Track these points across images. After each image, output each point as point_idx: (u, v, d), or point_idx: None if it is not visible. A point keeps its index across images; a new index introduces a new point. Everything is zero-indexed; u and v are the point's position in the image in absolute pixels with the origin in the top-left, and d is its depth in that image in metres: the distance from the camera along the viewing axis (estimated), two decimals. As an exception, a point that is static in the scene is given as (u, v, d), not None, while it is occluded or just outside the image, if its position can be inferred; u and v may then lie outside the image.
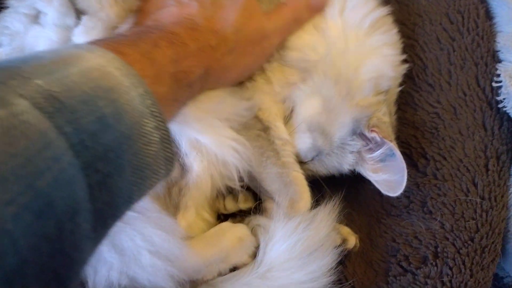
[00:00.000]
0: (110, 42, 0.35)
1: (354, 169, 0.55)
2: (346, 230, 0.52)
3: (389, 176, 0.50)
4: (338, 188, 0.55)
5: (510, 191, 0.54)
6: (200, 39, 0.41)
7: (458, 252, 0.50)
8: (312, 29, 0.52)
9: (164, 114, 0.32)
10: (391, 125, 0.54)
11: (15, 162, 0.23)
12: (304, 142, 0.53)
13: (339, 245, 0.49)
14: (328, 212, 0.49)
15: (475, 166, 0.53)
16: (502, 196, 0.54)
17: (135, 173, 0.30)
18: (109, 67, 0.30)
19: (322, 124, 0.52)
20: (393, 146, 0.50)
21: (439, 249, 0.50)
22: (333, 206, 0.50)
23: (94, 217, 0.26)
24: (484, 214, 0.52)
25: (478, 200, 0.52)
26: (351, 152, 0.53)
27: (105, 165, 0.27)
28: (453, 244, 0.50)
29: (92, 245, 0.28)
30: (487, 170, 0.53)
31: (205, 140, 0.45)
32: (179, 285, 0.44)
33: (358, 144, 0.53)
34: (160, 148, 0.31)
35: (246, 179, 0.49)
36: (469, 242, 0.50)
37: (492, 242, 0.52)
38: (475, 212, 0.52)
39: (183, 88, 0.39)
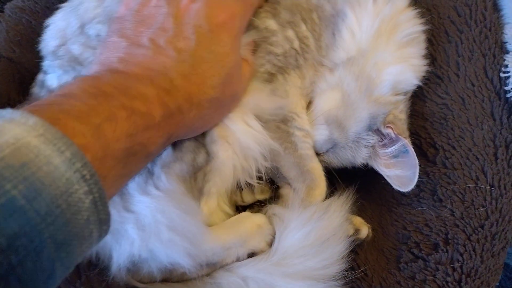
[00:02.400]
0: (51, 111, 0.31)
1: (367, 164, 0.57)
2: (358, 220, 0.54)
3: (401, 172, 0.52)
4: (350, 179, 0.57)
5: (519, 179, 0.55)
6: (170, 105, 0.38)
7: (469, 239, 0.51)
8: (347, 32, 0.53)
9: (96, 175, 0.29)
10: (406, 122, 0.56)
11: None
12: (320, 134, 0.56)
13: (351, 235, 0.51)
14: (341, 203, 0.51)
15: (484, 155, 0.54)
16: (512, 184, 0.55)
17: (60, 248, 0.27)
18: (28, 137, 0.27)
19: (340, 118, 0.54)
20: (407, 142, 0.51)
21: (449, 236, 0.52)
22: (346, 197, 0.52)
23: None
24: (493, 202, 0.53)
25: (488, 187, 0.53)
26: (366, 146, 0.55)
27: (9, 256, 0.24)
28: (463, 231, 0.52)
29: None
30: (496, 158, 0.55)
31: (234, 127, 0.47)
32: (198, 267, 0.47)
33: (373, 139, 0.55)
34: (93, 212, 0.29)
35: (264, 174, 0.51)
36: (479, 229, 0.52)
37: (502, 230, 0.53)
38: (485, 199, 0.53)
39: (139, 160, 0.37)
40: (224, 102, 0.44)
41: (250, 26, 0.56)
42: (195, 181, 0.47)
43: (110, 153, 0.32)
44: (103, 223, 0.30)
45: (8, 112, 0.29)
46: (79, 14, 0.51)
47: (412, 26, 0.55)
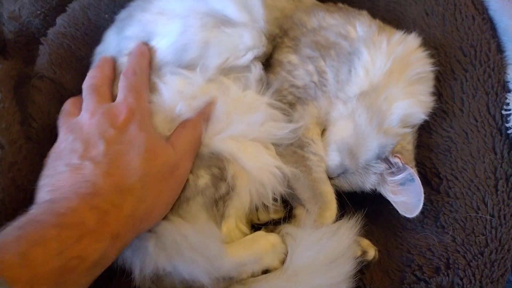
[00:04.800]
0: None
1: (375, 189, 0.61)
2: (366, 243, 0.58)
3: (407, 199, 0.56)
4: (359, 203, 0.61)
5: (519, 211, 0.59)
6: (101, 205, 0.40)
7: (469, 264, 0.55)
8: (362, 69, 0.58)
9: None
10: (413, 153, 0.60)
11: None
12: (333, 160, 0.60)
13: (359, 256, 0.55)
14: (350, 226, 0.55)
15: (485, 186, 0.58)
16: (511, 216, 0.58)
17: None
18: None
19: (351, 146, 0.59)
20: (413, 172, 0.55)
21: (450, 261, 0.55)
22: (355, 221, 0.56)
23: None
24: (493, 231, 0.56)
25: (488, 217, 0.57)
26: (374, 173, 0.59)
27: None
28: (464, 257, 0.55)
29: None
30: (497, 190, 0.58)
31: (249, 167, 0.52)
32: (216, 282, 0.50)
33: (381, 167, 0.59)
34: None
35: (279, 197, 0.56)
36: (479, 255, 0.55)
37: (502, 257, 0.56)
38: (485, 228, 0.56)
39: (80, 274, 0.37)
40: (161, 176, 0.46)
41: (274, 59, 0.62)
42: (217, 209, 0.52)
43: (40, 278, 0.33)
44: None
45: None
46: None
47: (422, 65, 0.59)
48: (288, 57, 0.58)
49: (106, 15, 0.68)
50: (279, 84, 0.58)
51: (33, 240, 0.35)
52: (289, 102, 0.57)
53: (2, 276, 0.30)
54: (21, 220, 0.38)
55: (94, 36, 0.67)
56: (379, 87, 0.58)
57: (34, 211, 0.40)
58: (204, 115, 0.53)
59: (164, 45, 0.56)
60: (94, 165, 0.42)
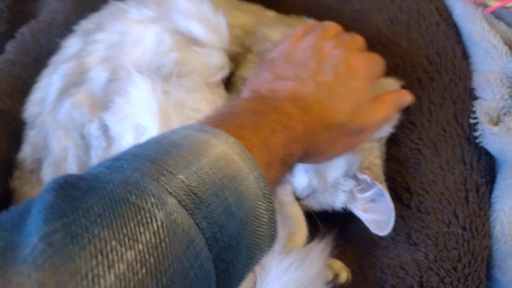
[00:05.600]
0: (232, 124, 0.36)
1: (346, 207, 0.59)
2: (338, 265, 0.56)
3: (377, 216, 0.55)
4: (331, 221, 0.59)
5: (491, 220, 0.58)
6: (308, 123, 0.43)
7: (442, 281, 0.54)
8: None
9: (272, 195, 0.33)
10: (382, 167, 0.59)
11: (176, 265, 0.24)
12: (300, 181, 0.58)
13: (331, 280, 0.54)
14: (321, 249, 0.54)
15: (456, 199, 0.57)
16: (483, 226, 0.57)
17: (248, 255, 0.31)
18: (232, 154, 0.31)
19: (318, 166, 0.57)
20: (382, 188, 0.54)
21: (423, 279, 0.54)
22: (326, 243, 0.54)
23: None
24: (465, 244, 0.56)
25: (460, 231, 0.56)
26: (344, 191, 0.58)
27: (228, 254, 0.28)
28: (437, 274, 0.54)
29: None
30: (467, 201, 0.57)
31: None
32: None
33: (350, 184, 0.57)
34: (268, 228, 0.33)
35: None
36: (452, 271, 0.54)
37: (475, 270, 0.55)
38: (457, 242, 0.55)
39: (287, 169, 0.41)
40: (351, 131, 0.49)
41: (236, 76, 0.60)
42: None
43: (273, 163, 0.37)
44: (273, 239, 0.34)
45: (210, 129, 0.33)
46: None
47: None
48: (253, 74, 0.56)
49: (58, 39, 0.64)
50: None
51: (271, 129, 0.38)
52: None
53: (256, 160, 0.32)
54: (248, 105, 0.41)
55: (46, 62, 0.63)
56: None
57: (255, 99, 0.43)
58: (403, 101, 0.56)
59: None
60: (316, 89, 0.45)
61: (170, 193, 0.26)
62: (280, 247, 0.53)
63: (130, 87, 0.53)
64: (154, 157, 0.28)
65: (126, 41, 0.57)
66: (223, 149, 0.31)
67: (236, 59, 0.61)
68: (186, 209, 0.26)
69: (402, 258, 0.56)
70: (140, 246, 0.23)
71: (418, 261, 0.55)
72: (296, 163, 0.43)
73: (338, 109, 0.46)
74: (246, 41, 0.62)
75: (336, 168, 0.57)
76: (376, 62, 0.54)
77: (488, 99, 0.59)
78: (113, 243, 0.22)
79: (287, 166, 0.41)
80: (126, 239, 0.23)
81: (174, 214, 0.25)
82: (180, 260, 0.24)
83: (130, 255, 0.22)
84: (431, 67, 0.63)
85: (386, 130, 0.59)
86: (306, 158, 0.46)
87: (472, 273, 0.55)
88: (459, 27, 0.66)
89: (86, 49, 0.58)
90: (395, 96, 0.56)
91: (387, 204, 0.54)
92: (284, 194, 0.56)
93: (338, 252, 0.57)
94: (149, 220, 0.24)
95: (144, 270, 0.22)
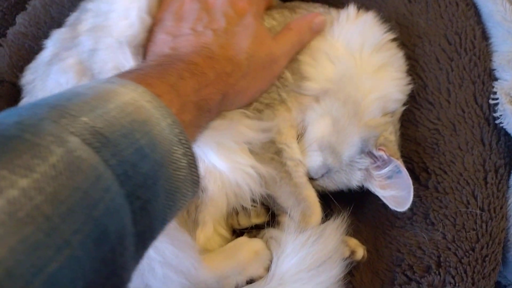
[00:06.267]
0: (139, 74, 0.37)
1: (363, 185, 0.58)
2: (354, 242, 0.56)
3: (396, 192, 0.54)
4: (346, 201, 0.58)
5: (509, 203, 0.57)
6: (217, 67, 0.45)
7: (460, 262, 0.53)
8: (326, 59, 0.56)
9: (190, 141, 0.34)
10: (397, 143, 0.58)
11: (77, 195, 0.25)
12: (315, 161, 0.57)
13: (347, 257, 0.53)
14: (337, 226, 0.53)
15: (475, 180, 0.56)
16: (501, 208, 0.56)
17: (168, 197, 0.32)
18: (141, 101, 0.32)
19: (332, 144, 0.56)
20: (399, 163, 0.53)
21: (441, 259, 0.53)
22: (342, 220, 0.53)
23: (136, 239, 0.29)
24: (484, 225, 0.55)
25: (478, 211, 0.55)
26: (360, 170, 0.57)
27: (144, 192, 0.29)
28: (455, 254, 0.53)
29: (134, 265, 0.31)
30: (486, 183, 0.56)
31: (221, 167, 0.49)
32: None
33: (366, 161, 0.56)
34: (188, 172, 0.34)
35: (259, 199, 0.53)
36: (470, 251, 0.53)
37: (493, 252, 0.54)
38: (475, 223, 0.55)
39: (204, 114, 0.43)
40: (262, 62, 0.51)
41: None
42: (187, 214, 0.48)
43: (186, 107, 0.38)
44: (195, 184, 0.35)
45: (117, 79, 0.34)
46: None
47: (388, 49, 0.58)
48: None
49: (69, 12, 0.63)
50: None
51: (178, 75, 0.39)
52: (256, 109, 0.53)
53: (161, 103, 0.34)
54: (154, 61, 0.42)
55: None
56: (345, 76, 0.55)
57: (159, 59, 0.44)
58: (312, 23, 0.56)
59: None
60: (214, 36, 0.47)
61: (72, 133, 0.27)
62: (295, 225, 0.52)
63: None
64: (54, 104, 0.29)
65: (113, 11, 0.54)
66: (132, 96, 0.32)
67: None
68: (92, 147, 0.27)
69: (419, 238, 0.55)
70: (36, 176, 0.24)
71: (436, 241, 0.54)
72: (215, 107, 0.44)
73: (239, 45, 0.48)
74: None
75: (351, 145, 0.56)
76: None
77: (509, 80, 0.58)
78: (4, 172, 0.23)
79: (205, 111, 0.42)
80: (19, 169, 0.24)
81: (78, 151, 0.26)
82: (85, 191, 0.25)
83: (24, 182, 0.23)
84: (450, 47, 0.62)
85: (397, 98, 0.58)
86: (229, 102, 0.47)
87: (489, 255, 0.54)
88: (478, 7, 0.64)
89: (80, 18, 0.56)
90: (302, 21, 0.56)
91: (405, 179, 0.53)
92: (298, 176, 0.55)
93: (353, 231, 0.56)
94: (46, 154, 0.25)
95: (41, 197, 0.24)
